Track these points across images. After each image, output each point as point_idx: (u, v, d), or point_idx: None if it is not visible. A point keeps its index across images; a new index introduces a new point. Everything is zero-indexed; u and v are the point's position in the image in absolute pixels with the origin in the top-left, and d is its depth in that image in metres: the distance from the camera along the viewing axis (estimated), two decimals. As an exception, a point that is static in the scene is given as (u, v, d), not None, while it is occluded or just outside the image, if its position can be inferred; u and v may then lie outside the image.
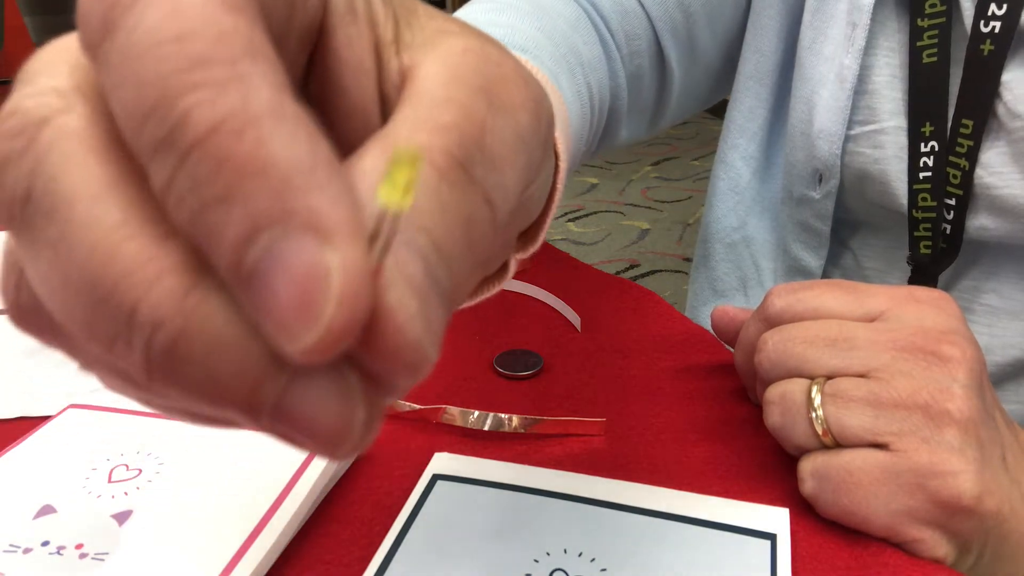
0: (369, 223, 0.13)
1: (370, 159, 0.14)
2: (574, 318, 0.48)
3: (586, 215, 2.70)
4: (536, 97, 0.17)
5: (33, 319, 0.15)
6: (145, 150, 0.12)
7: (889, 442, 0.29)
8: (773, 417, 0.32)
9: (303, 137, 0.12)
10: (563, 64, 0.43)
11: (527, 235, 0.25)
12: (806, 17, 0.51)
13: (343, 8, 0.16)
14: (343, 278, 0.12)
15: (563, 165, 0.29)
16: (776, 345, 0.33)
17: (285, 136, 0.12)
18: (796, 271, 0.54)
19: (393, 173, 0.13)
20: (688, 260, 2.35)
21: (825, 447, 0.31)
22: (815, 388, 0.31)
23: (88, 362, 0.15)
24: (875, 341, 0.31)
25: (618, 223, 2.62)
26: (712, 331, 0.42)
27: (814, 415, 0.31)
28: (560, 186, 0.27)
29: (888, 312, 0.32)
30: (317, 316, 0.12)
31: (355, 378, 0.13)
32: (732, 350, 0.40)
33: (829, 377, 0.31)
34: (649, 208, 2.75)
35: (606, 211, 2.71)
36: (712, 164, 0.62)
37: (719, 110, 0.62)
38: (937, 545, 0.30)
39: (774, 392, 0.33)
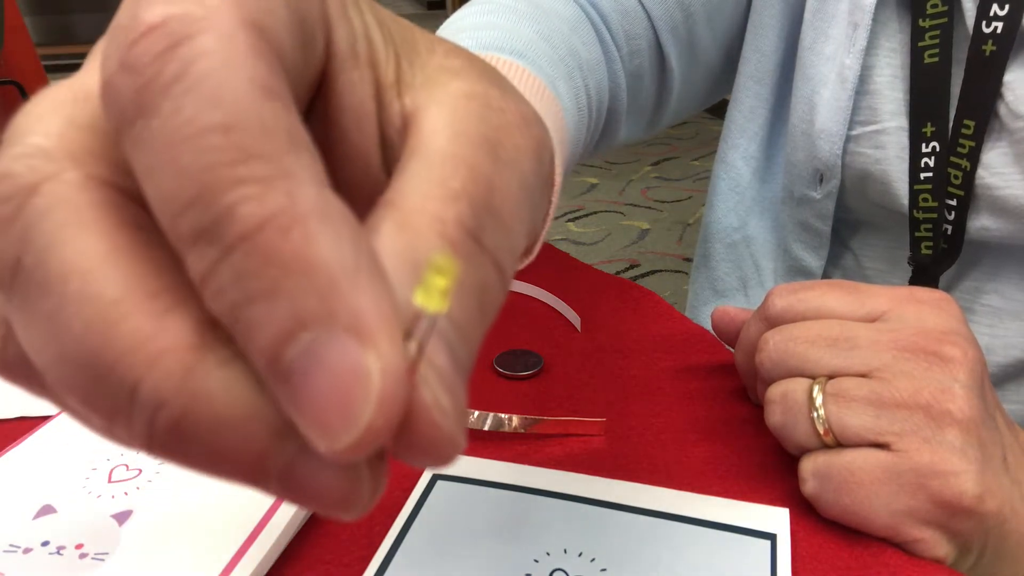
0: (404, 322, 0.13)
1: (388, 239, 0.14)
2: (574, 318, 0.48)
3: (586, 215, 2.70)
4: (538, 138, 0.17)
5: (21, 374, 0.15)
6: (184, 238, 0.12)
7: (890, 442, 0.29)
8: (774, 416, 0.32)
9: (347, 235, 0.12)
10: (561, 67, 0.43)
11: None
12: (807, 17, 0.51)
13: (346, 53, 0.16)
14: (383, 381, 0.12)
15: (559, 180, 0.29)
16: (777, 344, 0.33)
17: (331, 235, 0.12)
18: (797, 271, 0.54)
19: (429, 279, 0.13)
20: (688, 260, 2.35)
21: (826, 447, 0.31)
22: (816, 387, 0.31)
23: (83, 422, 0.14)
24: (876, 341, 0.31)
25: (618, 223, 2.62)
26: (712, 331, 0.42)
27: (815, 414, 0.31)
28: (555, 200, 0.27)
29: (889, 312, 0.32)
30: (356, 418, 0.12)
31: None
32: (732, 350, 0.40)
33: (830, 377, 0.31)
34: (649, 208, 2.75)
35: (606, 211, 2.71)
36: (712, 164, 0.62)
37: (719, 110, 0.62)
38: (938, 545, 0.30)
39: (775, 391, 0.33)
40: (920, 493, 0.29)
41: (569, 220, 2.67)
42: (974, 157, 0.43)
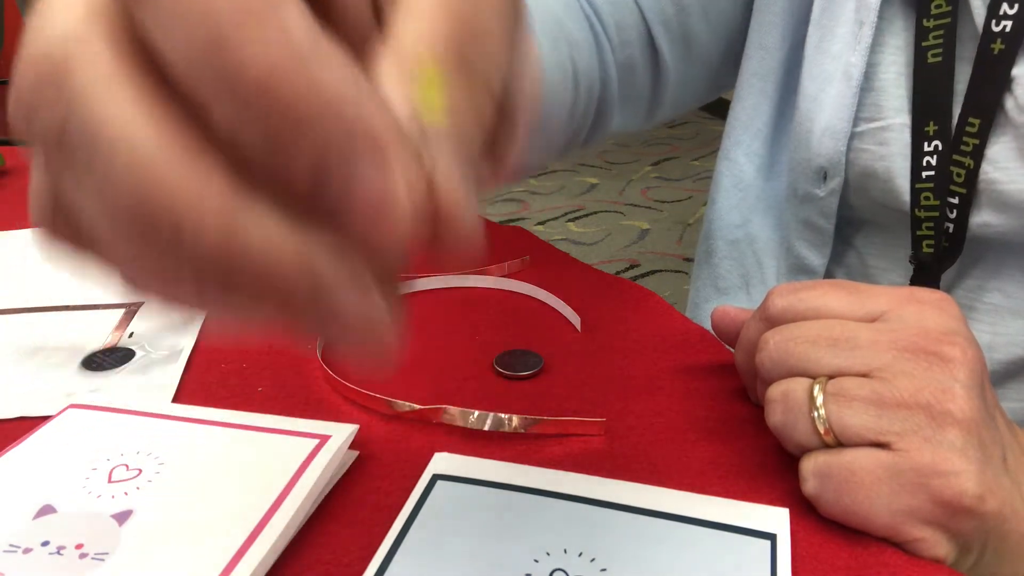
0: (413, 137, 0.15)
1: (389, 71, 0.16)
2: (574, 318, 0.48)
3: (586, 215, 2.70)
4: None
5: (71, 235, 0.17)
6: (205, 92, 0.13)
7: (891, 441, 0.29)
8: (775, 416, 0.32)
9: (344, 69, 0.14)
10: (547, 36, 0.46)
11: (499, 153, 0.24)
12: (814, 15, 0.51)
13: None
14: (409, 193, 0.14)
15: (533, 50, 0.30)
16: (778, 344, 0.33)
17: (331, 70, 0.13)
18: (799, 269, 0.54)
19: (425, 97, 0.15)
20: (688, 260, 2.35)
21: (827, 446, 0.31)
22: (817, 387, 0.31)
23: (132, 275, 0.17)
24: (877, 341, 0.31)
25: (618, 223, 2.62)
26: (712, 331, 0.42)
27: (816, 414, 0.31)
28: (532, 54, 0.28)
29: (890, 312, 0.32)
30: (394, 229, 0.14)
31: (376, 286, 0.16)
32: (732, 350, 0.40)
33: (831, 377, 0.32)
34: (649, 208, 2.76)
35: (606, 211, 2.71)
36: (712, 164, 0.62)
37: (720, 110, 0.62)
38: (938, 545, 0.30)
39: (776, 391, 0.33)
40: (921, 493, 0.29)
41: (569, 220, 2.67)
42: (978, 155, 0.43)
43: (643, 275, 2.26)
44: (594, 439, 0.38)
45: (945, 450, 0.29)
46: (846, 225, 0.53)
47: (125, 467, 0.35)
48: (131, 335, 0.47)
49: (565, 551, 0.30)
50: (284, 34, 0.13)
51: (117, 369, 0.44)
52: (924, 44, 0.45)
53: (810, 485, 0.31)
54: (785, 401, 0.32)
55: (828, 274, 0.54)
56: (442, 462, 0.35)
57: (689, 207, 2.75)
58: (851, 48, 0.48)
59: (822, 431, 0.31)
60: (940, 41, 0.44)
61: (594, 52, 0.53)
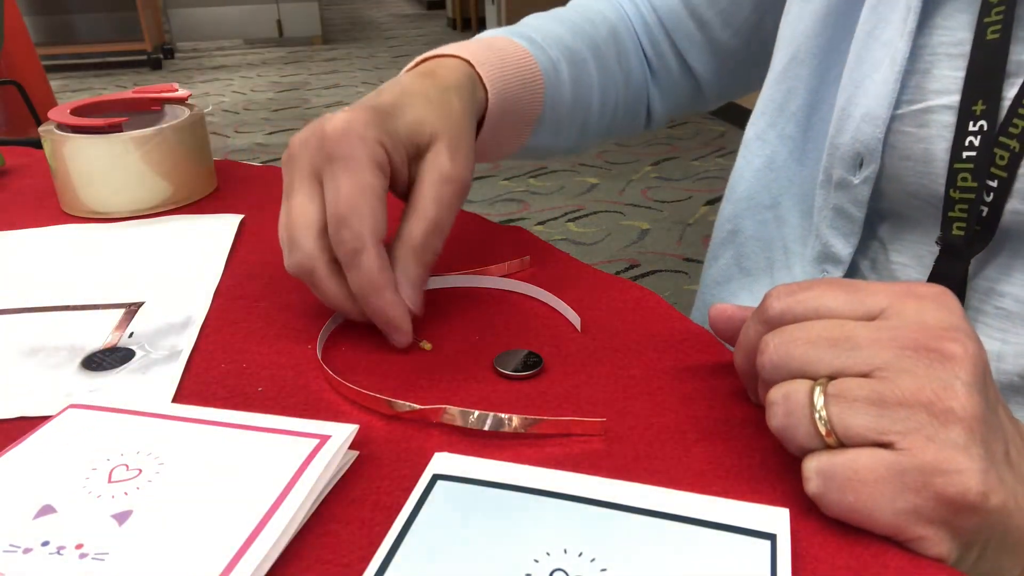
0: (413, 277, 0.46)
1: (408, 227, 0.45)
2: (574, 318, 0.48)
3: (586, 215, 2.70)
4: (462, 184, 0.47)
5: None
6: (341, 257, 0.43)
7: (894, 441, 0.29)
8: (776, 418, 0.32)
9: (382, 266, 0.43)
10: (567, 54, 0.61)
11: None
12: (870, 2, 0.51)
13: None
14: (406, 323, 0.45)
15: (536, 110, 0.57)
16: (778, 347, 0.33)
17: (381, 289, 0.43)
18: (826, 257, 0.54)
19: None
20: (688, 260, 2.35)
21: (829, 447, 0.31)
22: (818, 389, 0.31)
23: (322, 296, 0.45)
24: (877, 340, 0.31)
25: (618, 223, 2.62)
26: (709, 325, 0.42)
27: (817, 416, 0.31)
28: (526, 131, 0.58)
29: (889, 309, 0.32)
30: (394, 329, 0.45)
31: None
32: (730, 347, 0.40)
33: (832, 377, 0.31)
34: (649, 208, 2.76)
35: (606, 211, 2.71)
36: (712, 164, 0.63)
37: (720, 110, 0.63)
38: (941, 543, 0.30)
39: (777, 393, 0.33)
40: (924, 491, 0.29)
41: (569, 220, 2.67)
42: None
43: (643, 275, 2.26)
44: (594, 439, 0.38)
45: (948, 448, 0.29)
46: (874, 215, 0.53)
47: (125, 467, 0.35)
48: (131, 335, 0.47)
49: (565, 551, 0.30)
50: (370, 263, 0.42)
51: (117, 369, 0.44)
52: (986, 20, 0.44)
53: (813, 484, 0.31)
54: (786, 403, 0.32)
55: (853, 265, 0.54)
56: (442, 462, 0.35)
57: (689, 207, 2.75)
58: (899, 33, 0.48)
59: (824, 432, 0.31)
60: (1000, 18, 0.44)
61: (627, 56, 0.67)
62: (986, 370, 0.31)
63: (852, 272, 0.54)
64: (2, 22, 2.28)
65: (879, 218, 0.53)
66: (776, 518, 0.32)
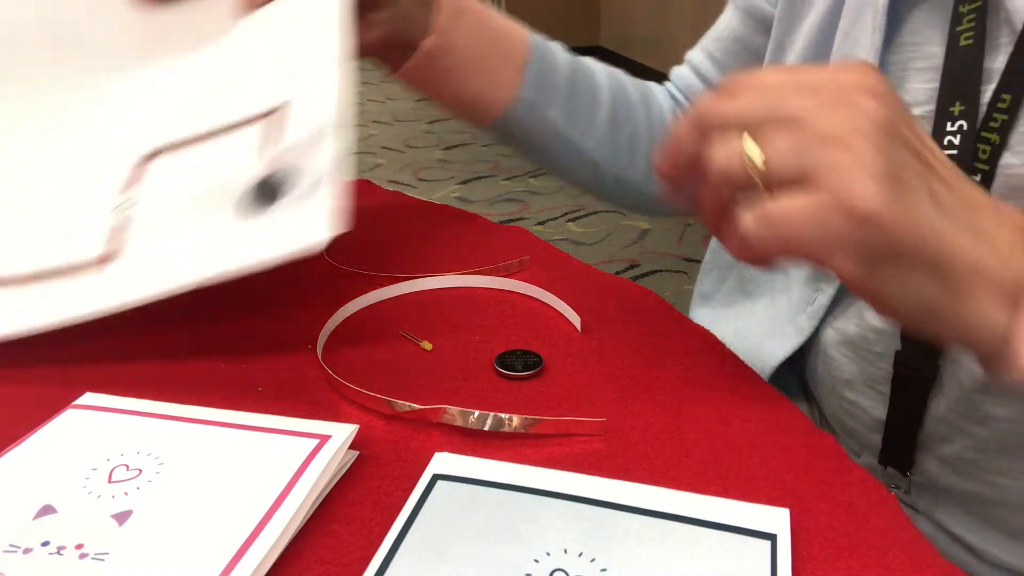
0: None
1: None
2: (574, 318, 0.48)
3: (586, 215, 2.70)
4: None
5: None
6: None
7: (811, 176, 0.32)
8: (717, 163, 0.35)
9: None
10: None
11: None
12: (842, 27, 0.53)
13: None
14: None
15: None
16: (716, 107, 0.36)
17: None
18: (818, 275, 0.55)
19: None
20: (688, 260, 2.35)
21: (756, 188, 0.34)
22: (748, 138, 0.34)
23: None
24: (801, 90, 0.34)
25: (618, 223, 2.62)
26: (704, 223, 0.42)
27: (749, 161, 0.34)
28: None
29: (819, 77, 0.35)
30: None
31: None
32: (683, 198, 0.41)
33: (760, 125, 0.34)
34: (649, 208, 2.75)
35: (606, 211, 2.71)
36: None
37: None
38: (847, 260, 0.32)
39: (719, 145, 0.35)
40: (835, 214, 0.32)
41: (569, 220, 2.67)
42: (1005, 130, 0.44)
43: (643, 275, 2.26)
44: (594, 439, 0.38)
45: (854, 174, 0.32)
46: None
47: (125, 467, 0.35)
48: (272, 159, 0.44)
49: (565, 551, 0.30)
50: None
51: (270, 208, 0.42)
52: (958, 28, 0.47)
53: (750, 226, 0.34)
54: (726, 151, 0.35)
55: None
56: (442, 462, 0.35)
57: (689, 207, 2.74)
58: (868, 54, 0.50)
59: (756, 174, 0.33)
60: (972, 25, 0.46)
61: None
62: (898, 119, 0.33)
63: (842, 287, 0.55)
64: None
65: None
66: (776, 518, 0.32)
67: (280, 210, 0.42)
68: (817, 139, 0.33)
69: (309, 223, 0.40)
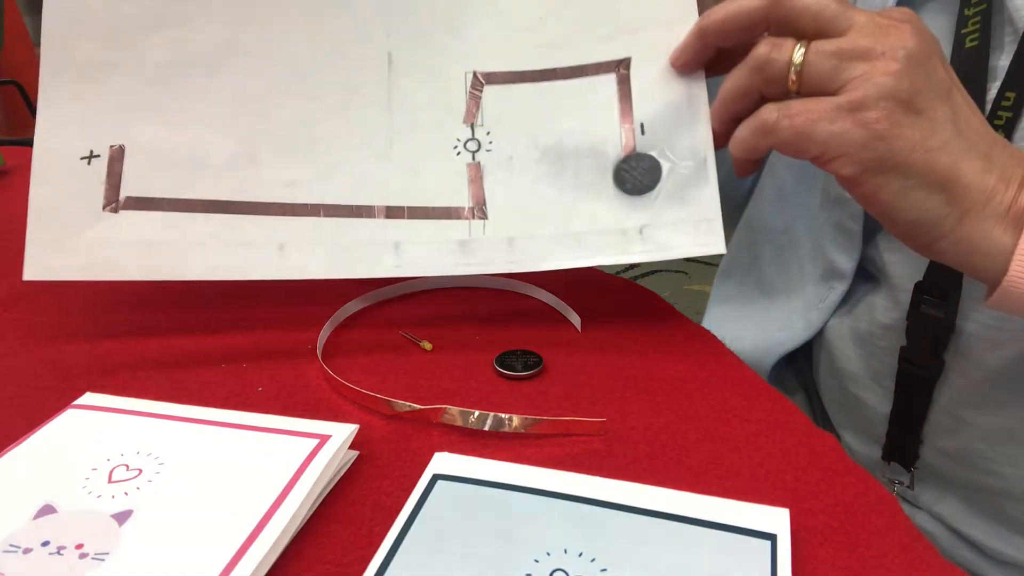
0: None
1: None
2: (574, 318, 0.48)
3: (586, 215, 2.69)
4: None
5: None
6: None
7: (841, 86, 0.36)
8: (760, 50, 0.38)
9: None
10: None
11: None
12: None
13: None
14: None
15: None
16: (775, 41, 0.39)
17: None
18: (831, 273, 0.55)
19: None
20: (688, 260, 2.34)
21: (788, 93, 0.38)
22: (800, 46, 0.37)
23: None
24: (852, 14, 0.37)
25: (618, 223, 2.62)
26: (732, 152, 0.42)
27: (793, 66, 0.37)
28: None
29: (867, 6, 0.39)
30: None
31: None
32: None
33: (812, 39, 0.37)
34: (649, 208, 2.75)
35: (606, 211, 2.70)
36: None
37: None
38: (849, 164, 0.36)
39: (766, 43, 0.38)
40: (850, 118, 0.36)
41: (569, 220, 2.66)
42: (1011, 127, 0.45)
43: (643, 275, 2.26)
44: (594, 439, 0.38)
45: (876, 91, 0.35)
46: (872, 225, 0.54)
47: (125, 467, 0.35)
48: (643, 130, 0.41)
49: (565, 551, 0.30)
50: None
51: (652, 194, 0.39)
52: (963, 31, 0.48)
53: (771, 115, 0.38)
54: (774, 47, 0.38)
55: (856, 277, 0.55)
56: (442, 462, 0.35)
57: (689, 207, 2.74)
58: None
59: (792, 79, 0.37)
60: (977, 27, 0.47)
61: None
62: (931, 55, 0.37)
63: (853, 284, 0.55)
64: (2, 22, 2.28)
65: (876, 227, 0.54)
66: (776, 518, 0.32)
67: (664, 205, 0.40)
68: (856, 52, 0.36)
69: (703, 230, 0.40)
